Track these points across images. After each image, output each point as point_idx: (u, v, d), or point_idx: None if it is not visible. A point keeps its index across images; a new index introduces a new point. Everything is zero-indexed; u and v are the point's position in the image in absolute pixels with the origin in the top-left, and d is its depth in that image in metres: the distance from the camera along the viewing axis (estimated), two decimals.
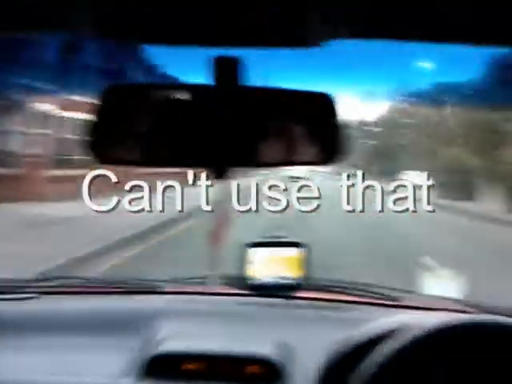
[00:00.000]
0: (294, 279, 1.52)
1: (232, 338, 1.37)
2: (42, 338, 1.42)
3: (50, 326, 1.47)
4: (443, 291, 2.06)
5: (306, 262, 1.51)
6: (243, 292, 1.59)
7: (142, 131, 0.77)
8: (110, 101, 0.77)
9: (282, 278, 1.52)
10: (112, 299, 1.72)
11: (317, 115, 0.77)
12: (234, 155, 0.77)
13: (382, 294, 1.73)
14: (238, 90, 0.73)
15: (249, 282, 1.50)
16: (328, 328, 1.34)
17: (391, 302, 1.65)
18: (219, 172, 0.77)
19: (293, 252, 1.52)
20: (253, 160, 0.79)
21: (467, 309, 1.66)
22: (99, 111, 0.76)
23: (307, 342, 1.29)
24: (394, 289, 1.84)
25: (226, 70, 0.72)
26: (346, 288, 1.77)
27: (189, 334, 1.39)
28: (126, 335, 1.37)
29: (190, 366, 1.22)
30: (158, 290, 1.73)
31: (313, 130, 0.78)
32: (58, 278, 1.93)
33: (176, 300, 1.70)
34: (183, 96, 0.76)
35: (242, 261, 1.49)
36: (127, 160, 0.80)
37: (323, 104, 0.76)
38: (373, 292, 1.76)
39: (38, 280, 2.05)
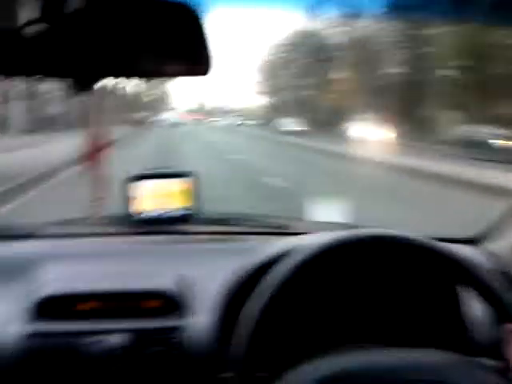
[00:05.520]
0: (182, 211, 1.47)
1: (125, 275, 1.29)
2: None
3: None
4: (330, 217, 1.83)
5: (195, 193, 1.47)
6: (130, 230, 1.54)
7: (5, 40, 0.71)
8: None
9: (170, 210, 1.46)
10: None
11: (182, 26, 0.75)
12: (98, 64, 0.74)
13: (271, 224, 1.71)
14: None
15: (135, 217, 1.44)
16: (223, 260, 1.29)
17: (281, 230, 1.62)
18: (84, 82, 0.75)
19: (180, 183, 1.47)
20: (117, 70, 0.77)
21: None
22: None
23: (203, 274, 1.26)
24: (282, 217, 1.78)
25: None
26: (236, 220, 1.72)
27: (78, 275, 1.30)
28: (9, 282, 1.27)
29: (83, 306, 1.16)
30: (40, 234, 1.62)
31: (180, 41, 0.76)
32: None
33: (60, 243, 1.60)
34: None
35: (125, 196, 1.43)
36: None
37: (188, 14, 0.74)
38: (262, 222, 1.76)
39: None
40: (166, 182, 1.45)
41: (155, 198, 1.44)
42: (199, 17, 0.74)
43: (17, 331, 1.11)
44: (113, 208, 1.68)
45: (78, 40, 0.71)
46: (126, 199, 1.42)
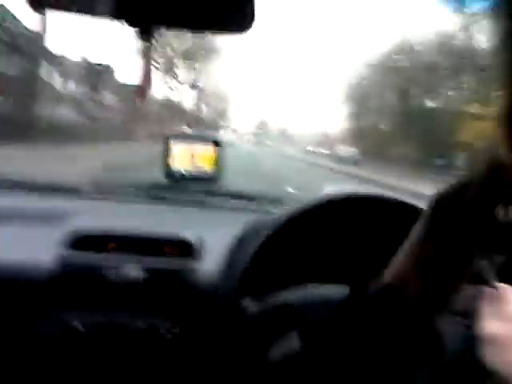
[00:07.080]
0: (209, 173, 1.74)
1: (152, 224, 1.42)
2: None
3: None
4: None
5: (221, 160, 1.75)
6: (163, 181, 1.77)
7: None
8: None
9: (199, 169, 1.74)
10: (32, 197, 1.69)
11: None
12: (161, 14, 0.79)
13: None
14: None
15: (168, 171, 1.72)
16: (234, 223, 1.36)
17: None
18: (144, 30, 0.79)
19: (210, 148, 1.75)
20: (174, 22, 0.82)
21: None
22: None
23: (217, 232, 1.37)
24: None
25: None
26: (253, 195, 1.84)
27: (112, 220, 1.44)
28: (47, 225, 1.38)
29: (112, 245, 1.28)
30: (77, 190, 1.77)
31: None
32: None
33: (96, 197, 1.72)
34: None
35: (164, 151, 1.71)
36: (58, 5, 0.77)
37: None
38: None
39: None
40: (199, 145, 1.74)
41: (188, 157, 1.73)
42: None
43: (53, 256, 1.25)
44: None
45: None
46: (164, 155, 1.70)
